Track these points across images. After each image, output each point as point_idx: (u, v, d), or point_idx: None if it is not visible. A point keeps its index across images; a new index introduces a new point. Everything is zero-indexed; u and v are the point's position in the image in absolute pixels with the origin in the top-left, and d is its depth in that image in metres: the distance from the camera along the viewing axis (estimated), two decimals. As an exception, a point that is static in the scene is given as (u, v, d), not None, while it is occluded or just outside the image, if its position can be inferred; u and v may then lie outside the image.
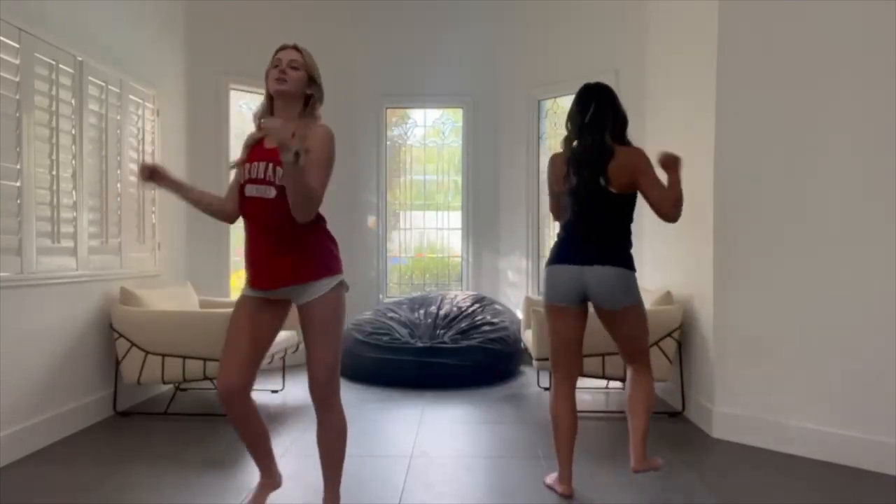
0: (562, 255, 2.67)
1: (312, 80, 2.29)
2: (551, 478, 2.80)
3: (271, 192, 2.16)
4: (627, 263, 2.63)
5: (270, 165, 2.16)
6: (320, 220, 2.29)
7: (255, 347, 2.29)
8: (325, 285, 2.22)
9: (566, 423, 2.70)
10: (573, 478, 2.71)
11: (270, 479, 2.47)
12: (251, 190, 2.19)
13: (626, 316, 2.65)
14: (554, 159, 2.77)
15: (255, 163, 2.20)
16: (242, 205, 2.24)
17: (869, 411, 3.03)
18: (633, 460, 2.63)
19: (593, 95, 2.68)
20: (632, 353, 2.74)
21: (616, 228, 2.65)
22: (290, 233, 2.18)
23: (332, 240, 2.34)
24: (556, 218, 2.82)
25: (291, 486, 2.83)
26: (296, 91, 2.24)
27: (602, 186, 2.58)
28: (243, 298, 2.30)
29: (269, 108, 2.28)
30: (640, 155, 2.63)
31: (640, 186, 2.61)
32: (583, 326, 2.71)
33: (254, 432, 2.36)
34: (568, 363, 2.72)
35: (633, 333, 2.71)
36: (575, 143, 2.70)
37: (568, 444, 2.70)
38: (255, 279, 2.25)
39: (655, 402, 2.78)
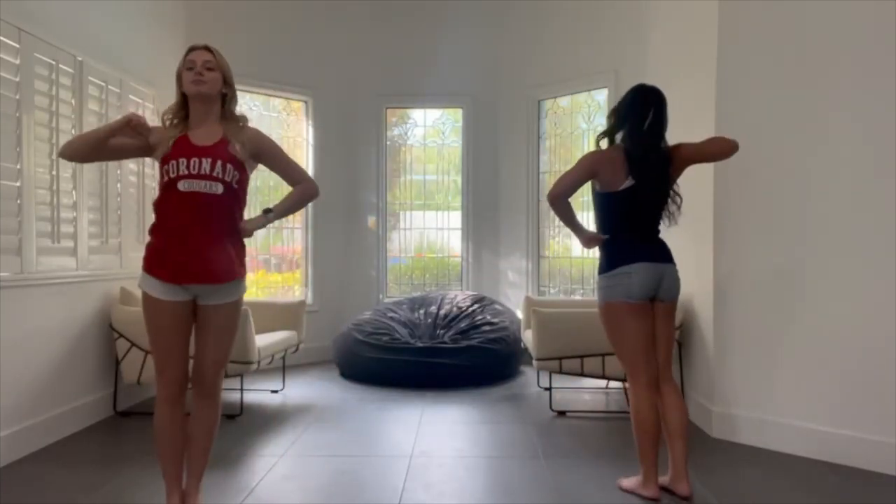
0: (638, 253, 2.63)
1: (226, 80, 2.32)
2: (630, 482, 2.74)
3: (218, 188, 2.22)
4: (674, 261, 2.75)
5: (219, 162, 2.21)
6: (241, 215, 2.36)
7: (185, 345, 2.32)
8: (240, 287, 2.34)
9: (656, 428, 2.66)
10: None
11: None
12: (190, 185, 2.19)
13: (675, 309, 2.76)
14: (602, 161, 2.67)
15: (193, 158, 2.20)
16: (171, 197, 2.22)
17: (869, 411, 3.03)
18: (682, 486, 2.64)
19: (654, 100, 2.66)
20: (669, 356, 2.75)
21: (659, 228, 2.77)
22: (228, 229, 2.27)
23: None
24: (562, 199, 2.69)
25: (291, 486, 2.83)
26: (213, 92, 2.27)
27: (666, 191, 2.69)
28: (159, 302, 2.24)
29: (183, 108, 2.30)
30: (680, 147, 2.71)
31: (690, 158, 2.71)
32: (653, 324, 2.71)
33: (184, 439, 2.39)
34: (649, 365, 2.67)
35: (673, 331, 2.79)
36: (624, 141, 2.67)
37: (657, 447, 2.66)
38: (177, 272, 2.22)
39: None
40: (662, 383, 2.71)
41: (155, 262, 2.25)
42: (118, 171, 3.99)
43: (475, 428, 3.80)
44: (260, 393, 4.49)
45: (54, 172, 3.41)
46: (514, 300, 5.81)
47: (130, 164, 4.14)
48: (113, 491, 2.75)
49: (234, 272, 2.29)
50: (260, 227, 2.38)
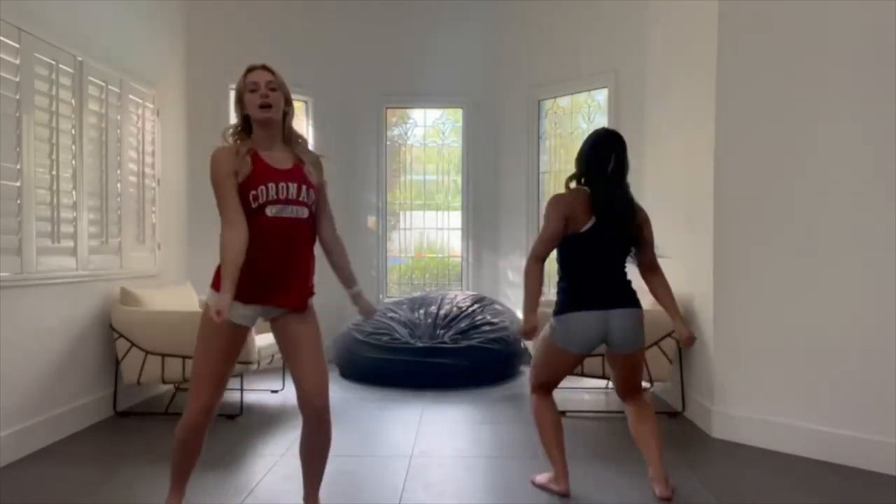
0: (585, 300, 2.61)
1: (287, 98, 2.26)
2: (543, 477, 2.80)
3: (304, 213, 2.21)
4: (639, 303, 2.71)
5: (303, 188, 2.19)
6: None
7: (229, 372, 2.29)
8: (312, 302, 2.33)
9: (557, 424, 2.74)
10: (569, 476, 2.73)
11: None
12: (279, 210, 2.15)
13: (639, 360, 2.74)
14: (567, 201, 2.66)
15: (282, 183, 2.16)
16: (259, 222, 2.14)
17: (868, 411, 3.03)
18: (660, 488, 2.65)
19: (614, 144, 2.67)
20: (635, 387, 2.77)
21: (623, 271, 2.72)
22: (310, 252, 2.27)
23: None
24: (541, 261, 2.67)
25: (291, 486, 2.83)
26: (279, 115, 2.22)
27: (629, 235, 2.66)
28: (228, 324, 2.14)
29: (243, 128, 2.24)
30: (643, 210, 2.76)
31: (642, 236, 2.69)
32: (581, 363, 2.79)
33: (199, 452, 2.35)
34: (553, 387, 2.80)
35: (640, 369, 2.77)
36: (586, 187, 2.67)
37: (561, 443, 2.72)
38: (270, 296, 2.19)
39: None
40: (630, 404, 2.77)
41: (240, 285, 2.10)
42: (118, 171, 3.99)
43: (475, 428, 3.80)
44: (260, 393, 4.49)
45: (54, 172, 3.41)
46: (514, 300, 5.81)
47: (130, 165, 4.14)
48: (113, 491, 2.75)
49: (311, 293, 2.30)
50: (367, 309, 2.49)
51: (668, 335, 3.81)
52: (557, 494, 2.69)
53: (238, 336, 2.24)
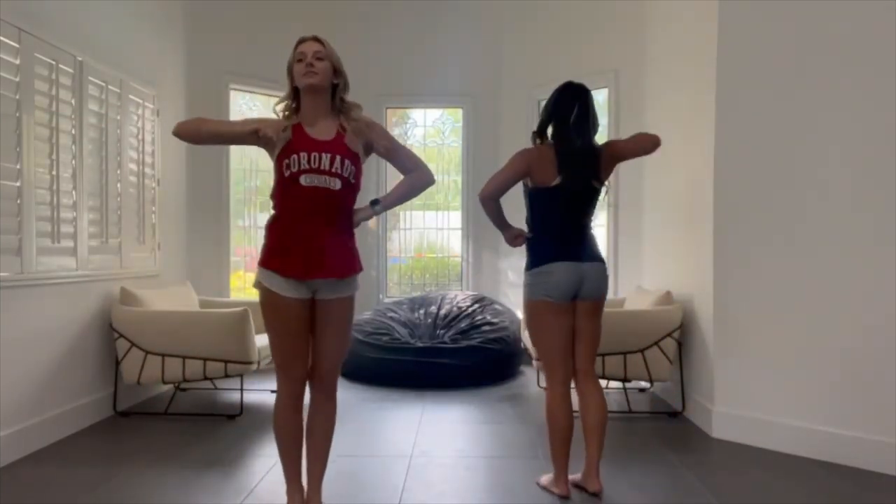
0: (558, 252, 2.67)
1: (337, 69, 2.28)
2: (546, 479, 2.80)
3: (336, 184, 2.21)
4: (603, 259, 2.80)
5: (338, 158, 2.21)
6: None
7: (308, 345, 2.33)
8: (356, 281, 2.34)
9: (568, 425, 2.72)
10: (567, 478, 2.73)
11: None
12: (312, 179, 2.17)
13: (601, 307, 2.77)
14: (532, 157, 2.73)
15: (314, 153, 2.18)
16: (293, 191, 2.19)
17: (868, 411, 3.03)
18: (594, 482, 2.68)
19: (577, 96, 2.69)
20: (593, 353, 2.78)
21: (590, 225, 2.78)
22: (347, 225, 2.28)
23: None
24: (492, 199, 2.78)
25: (291, 486, 2.83)
26: (324, 83, 2.24)
27: (594, 187, 2.69)
28: (281, 299, 2.20)
29: (294, 101, 2.28)
30: (612, 144, 2.82)
31: (621, 155, 2.79)
32: (573, 324, 2.74)
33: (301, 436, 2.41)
34: (566, 363, 2.74)
35: (599, 328, 2.79)
36: (552, 140, 2.72)
37: (568, 446, 2.72)
38: (299, 267, 2.19)
39: None
40: (584, 379, 2.77)
41: (277, 257, 2.20)
42: (118, 171, 3.99)
43: (475, 428, 3.80)
44: (260, 393, 4.48)
45: (54, 172, 3.41)
46: (513, 300, 5.81)
47: (130, 165, 4.14)
48: (113, 490, 2.75)
49: (353, 267, 2.29)
50: (365, 219, 2.38)
51: (669, 335, 3.81)
52: (557, 496, 2.69)
53: (299, 308, 2.23)
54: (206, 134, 2.26)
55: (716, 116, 3.50)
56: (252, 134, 2.17)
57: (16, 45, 3.11)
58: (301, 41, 2.26)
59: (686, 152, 3.96)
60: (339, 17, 5.90)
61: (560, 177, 2.65)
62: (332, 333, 2.29)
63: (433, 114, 6.30)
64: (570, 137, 2.66)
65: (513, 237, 2.87)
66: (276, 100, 2.34)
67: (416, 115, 6.31)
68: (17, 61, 3.12)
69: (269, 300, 2.23)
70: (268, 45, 5.49)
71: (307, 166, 2.17)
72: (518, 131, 5.94)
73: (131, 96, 4.14)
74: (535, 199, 2.75)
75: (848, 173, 3.11)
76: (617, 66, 5.13)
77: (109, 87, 3.89)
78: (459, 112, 6.21)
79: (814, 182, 3.21)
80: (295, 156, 2.18)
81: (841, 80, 3.13)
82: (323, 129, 2.25)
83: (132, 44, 4.22)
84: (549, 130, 2.75)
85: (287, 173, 2.18)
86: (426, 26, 6.05)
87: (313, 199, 2.19)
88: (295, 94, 2.27)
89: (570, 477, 2.75)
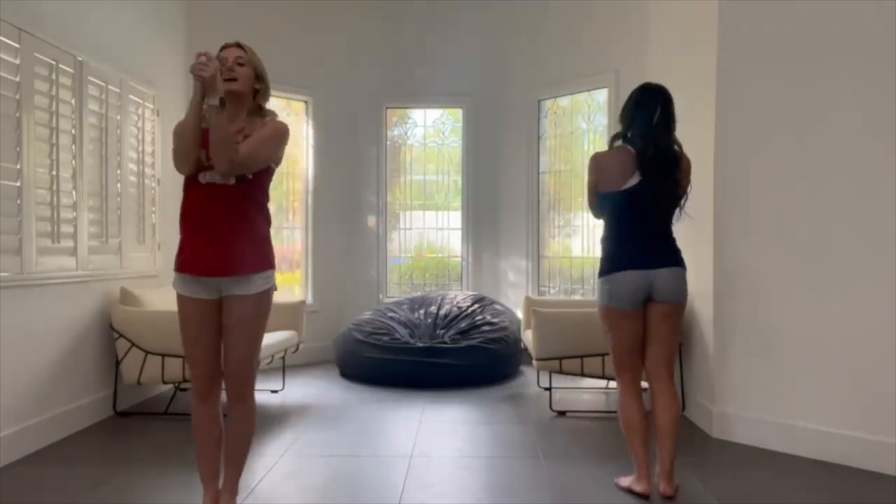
0: (626, 260, 2.64)
1: (259, 75, 2.31)
2: (627, 480, 2.76)
3: (230, 179, 2.22)
4: (683, 262, 2.73)
5: None
6: (266, 210, 2.35)
7: (217, 346, 2.32)
8: (258, 280, 2.29)
9: (641, 425, 2.70)
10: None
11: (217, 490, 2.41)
12: (207, 177, 2.21)
13: (676, 311, 2.71)
14: (601, 159, 2.71)
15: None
16: (193, 190, 2.24)
17: (869, 411, 3.03)
18: (667, 486, 2.65)
19: (659, 97, 2.66)
20: (668, 357, 2.74)
21: (670, 229, 2.73)
22: (243, 221, 2.25)
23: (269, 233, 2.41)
24: (599, 211, 2.79)
25: (291, 486, 2.83)
26: (245, 88, 2.27)
27: (675, 191, 2.66)
28: (184, 299, 2.27)
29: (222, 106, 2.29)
30: (688, 160, 2.75)
31: (682, 187, 2.73)
32: (644, 327, 2.72)
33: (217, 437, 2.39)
34: (634, 366, 2.73)
35: (675, 333, 2.75)
36: (632, 140, 2.66)
37: (646, 444, 2.69)
38: (196, 265, 2.22)
39: None
40: (655, 383, 2.73)
41: (180, 257, 2.26)
42: (118, 172, 3.99)
43: (475, 428, 3.80)
44: (260, 393, 4.48)
45: (54, 172, 3.41)
46: (514, 300, 5.81)
47: (130, 165, 4.14)
48: (113, 490, 2.75)
49: (248, 265, 2.26)
50: (208, 82, 2.12)
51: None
52: (639, 496, 2.66)
53: (207, 310, 2.26)
54: (184, 151, 2.22)
55: (716, 116, 3.50)
56: (204, 86, 2.13)
57: (16, 45, 3.11)
58: (224, 47, 2.30)
59: (686, 152, 3.95)
60: (339, 18, 5.90)
61: (639, 177, 2.61)
62: (234, 333, 2.28)
63: (433, 114, 6.30)
64: (655, 138, 2.61)
65: None
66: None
67: (416, 115, 6.31)
68: (17, 61, 3.12)
69: (177, 299, 2.30)
70: (268, 46, 5.49)
71: (205, 163, 2.20)
72: (518, 131, 5.96)
73: (131, 96, 4.14)
74: (609, 204, 2.71)
75: (848, 173, 3.11)
76: (617, 66, 5.13)
77: (109, 87, 3.89)
78: (459, 112, 6.21)
79: (815, 182, 3.21)
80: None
81: (841, 79, 3.12)
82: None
83: (132, 44, 4.22)
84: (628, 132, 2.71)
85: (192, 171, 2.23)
86: (426, 26, 6.06)
87: (209, 195, 2.21)
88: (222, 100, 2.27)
89: (619, 481, 2.77)
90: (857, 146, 3.08)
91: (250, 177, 2.26)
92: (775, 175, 3.33)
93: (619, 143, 2.72)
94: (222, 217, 2.22)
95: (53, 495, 2.71)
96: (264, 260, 2.32)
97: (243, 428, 2.36)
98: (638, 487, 2.68)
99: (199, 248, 2.22)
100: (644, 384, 2.76)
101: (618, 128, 2.77)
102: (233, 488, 2.38)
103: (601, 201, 2.74)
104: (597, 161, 2.73)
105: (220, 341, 2.31)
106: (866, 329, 3.05)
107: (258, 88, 2.31)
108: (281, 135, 2.30)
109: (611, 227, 2.73)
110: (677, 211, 2.72)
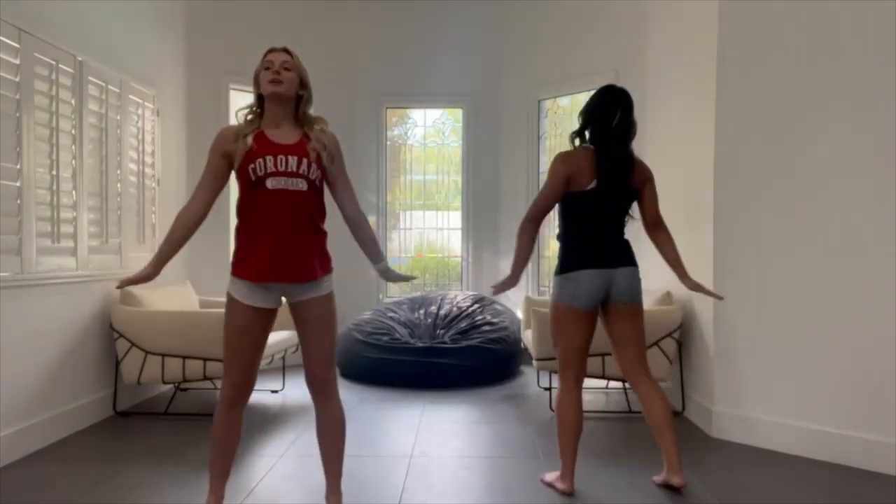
0: (587, 259, 2.66)
1: (303, 81, 2.32)
2: (551, 475, 2.81)
3: (303, 185, 2.21)
4: (636, 262, 2.78)
5: (304, 160, 2.21)
6: (325, 212, 2.36)
7: (259, 356, 2.32)
8: (329, 280, 2.35)
9: (577, 424, 2.73)
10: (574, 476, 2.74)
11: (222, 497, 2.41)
12: (278, 182, 2.18)
13: (638, 311, 2.75)
14: (573, 159, 2.69)
15: (280, 156, 2.19)
16: (260, 195, 2.19)
17: (869, 411, 3.03)
18: (678, 476, 2.66)
19: (620, 100, 2.67)
20: (641, 354, 2.77)
21: (623, 231, 2.76)
22: (312, 227, 2.27)
23: None
24: (535, 222, 2.74)
25: (291, 486, 2.83)
26: (289, 93, 2.27)
27: (630, 194, 2.71)
28: (239, 305, 2.24)
29: (259, 108, 2.31)
30: (647, 166, 2.80)
31: (644, 194, 2.77)
32: (595, 330, 2.75)
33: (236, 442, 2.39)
34: (579, 366, 2.75)
35: (642, 330, 2.77)
36: (586, 144, 2.70)
37: (575, 444, 2.73)
38: (270, 272, 2.20)
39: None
40: (638, 381, 2.75)
41: (243, 264, 2.23)
42: (118, 172, 3.99)
43: (475, 428, 3.80)
44: (260, 393, 4.49)
45: (54, 172, 3.41)
46: (514, 300, 5.81)
47: (130, 165, 4.14)
48: (113, 491, 2.75)
49: (323, 268, 2.30)
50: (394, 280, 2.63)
51: (669, 335, 3.81)
52: (560, 493, 2.70)
53: (260, 319, 2.26)
54: (195, 206, 2.36)
55: (716, 116, 3.50)
56: (225, 156, 2.24)
57: (16, 45, 3.11)
58: (270, 51, 2.30)
59: (686, 152, 3.96)
60: (340, 17, 5.90)
61: (597, 181, 2.63)
62: (313, 333, 2.30)
63: (433, 114, 6.30)
64: (611, 142, 2.65)
65: (512, 282, 2.75)
66: (242, 106, 2.35)
67: (416, 115, 6.31)
68: (17, 61, 3.12)
69: (230, 305, 2.27)
70: (267, 46, 5.49)
71: (273, 169, 2.18)
72: (518, 131, 5.96)
73: (131, 96, 4.14)
74: (569, 204, 2.72)
75: (848, 173, 3.11)
76: (617, 66, 5.13)
77: (109, 87, 3.89)
78: (459, 112, 6.21)
79: (815, 182, 3.21)
80: (261, 160, 2.18)
81: (841, 80, 3.12)
82: (287, 134, 2.26)
83: (132, 44, 4.22)
84: (587, 134, 2.73)
85: (254, 177, 2.19)
86: (426, 26, 6.05)
87: (280, 201, 2.19)
88: (259, 102, 2.30)
89: (654, 478, 2.80)
90: (857, 146, 3.08)
91: (319, 184, 2.28)
92: (775, 175, 3.33)
93: (578, 141, 2.75)
94: (296, 223, 2.21)
95: (53, 495, 2.72)
96: (329, 262, 2.36)
97: (340, 428, 2.39)
98: (560, 485, 2.72)
99: (274, 255, 2.18)
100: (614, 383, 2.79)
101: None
102: (339, 488, 2.40)
103: (565, 202, 2.72)
104: (574, 159, 2.69)
105: (260, 351, 2.31)
106: (866, 329, 3.05)
107: (301, 94, 2.31)
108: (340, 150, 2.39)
109: (573, 226, 2.74)
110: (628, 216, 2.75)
